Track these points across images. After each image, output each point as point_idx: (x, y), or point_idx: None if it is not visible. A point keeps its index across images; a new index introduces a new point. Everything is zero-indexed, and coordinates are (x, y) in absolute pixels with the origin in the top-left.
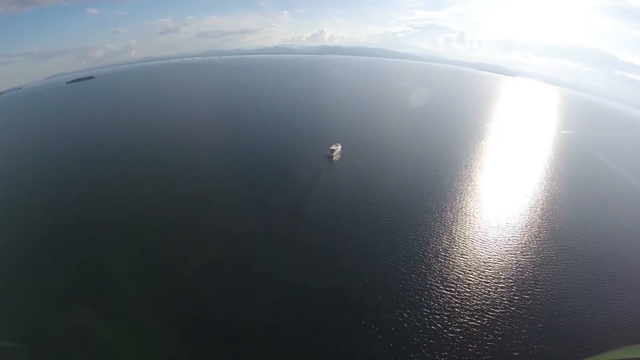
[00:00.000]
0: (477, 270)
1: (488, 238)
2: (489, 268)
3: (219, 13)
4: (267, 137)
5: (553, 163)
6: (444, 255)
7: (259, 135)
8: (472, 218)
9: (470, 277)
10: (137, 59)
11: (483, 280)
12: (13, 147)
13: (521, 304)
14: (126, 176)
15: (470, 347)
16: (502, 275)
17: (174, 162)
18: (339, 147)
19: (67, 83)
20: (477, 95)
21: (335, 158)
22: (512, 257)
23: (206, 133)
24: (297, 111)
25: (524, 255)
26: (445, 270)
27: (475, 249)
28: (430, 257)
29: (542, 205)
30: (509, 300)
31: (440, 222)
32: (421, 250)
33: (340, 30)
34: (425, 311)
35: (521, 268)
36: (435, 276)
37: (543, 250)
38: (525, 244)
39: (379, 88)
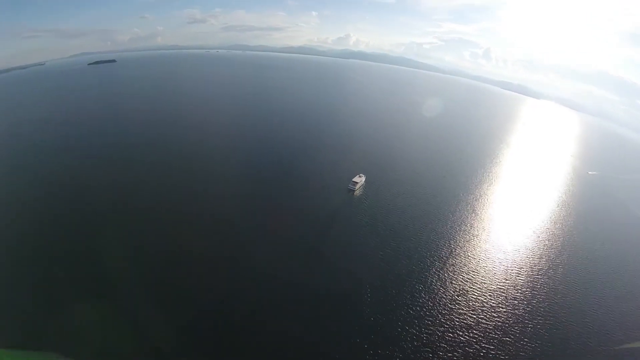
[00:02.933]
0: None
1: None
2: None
3: (247, 8)
4: (281, 154)
5: (574, 199)
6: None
7: (273, 149)
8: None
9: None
10: (162, 46)
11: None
12: (21, 125)
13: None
14: (133, 164)
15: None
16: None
17: (182, 159)
18: (363, 178)
19: (88, 64)
20: (501, 116)
21: (357, 192)
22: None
23: (215, 134)
24: (315, 126)
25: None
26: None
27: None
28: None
29: (558, 237)
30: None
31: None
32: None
33: (365, 36)
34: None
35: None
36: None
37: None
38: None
39: (402, 103)
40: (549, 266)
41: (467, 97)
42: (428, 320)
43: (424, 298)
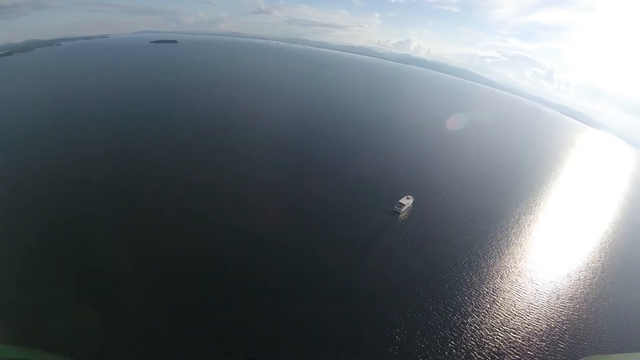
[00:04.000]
0: None
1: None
2: None
3: (311, 3)
4: (325, 164)
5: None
6: None
7: (316, 156)
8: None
9: None
10: (224, 32)
11: None
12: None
13: None
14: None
15: None
16: None
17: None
18: (411, 200)
19: (150, 42)
20: (557, 142)
21: (403, 215)
22: None
23: (258, 133)
24: (365, 136)
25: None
26: None
27: None
28: None
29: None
30: None
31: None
32: None
33: (427, 43)
34: None
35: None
36: None
37: None
38: None
39: (461, 119)
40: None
41: (526, 119)
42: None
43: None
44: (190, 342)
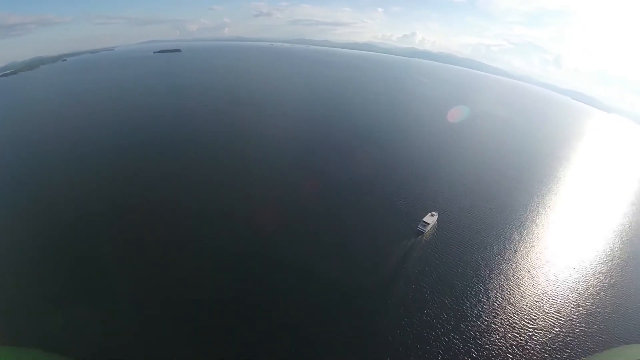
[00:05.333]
0: None
1: None
2: None
3: (314, 2)
4: (340, 183)
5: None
6: None
7: (328, 173)
8: None
9: None
10: (229, 37)
11: None
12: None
13: None
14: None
15: None
16: None
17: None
18: (435, 217)
19: (154, 52)
20: (576, 133)
21: (428, 235)
22: None
23: (269, 145)
24: (377, 147)
25: None
26: None
27: None
28: None
29: None
30: None
31: None
32: None
33: (432, 35)
34: None
35: None
36: None
37: None
38: None
39: (472, 113)
40: None
41: (538, 107)
42: None
43: None
44: (190, 342)
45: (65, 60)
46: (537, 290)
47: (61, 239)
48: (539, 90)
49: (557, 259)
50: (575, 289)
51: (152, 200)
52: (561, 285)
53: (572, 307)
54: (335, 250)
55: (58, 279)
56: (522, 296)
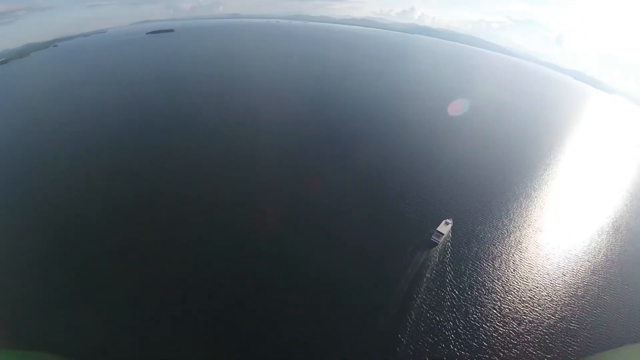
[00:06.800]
0: None
1: None
2: None
3: None
4: (341, 189)
5: None
6: None
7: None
8: None
9: None
10: (224, 14)
11: None
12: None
13: None
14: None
15: None
16: None
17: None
18: (449, 226)
19: (146, 33)
20: (577, 117)
21: (442, 245)
22: None
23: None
24: (377, 142)
25: None
26: None
27: None
28: None
29: None
30: None
31: None
32: None
33: (432, 10)
34: None
35: None
36: None
37: None
38: None
39: (476, 99)
40: None
41: (539, 90)
42: None
43: None
44: (189, 342)
45: (56, 45)
46: (537, 291)
47: (61, 238)
48: (539, 69)
49: (565, 261)
50: (576, 288)
51: (152, 195)
52: (561, 285)
53: (573, 307)
54: (340, 247)
55: (58, 279)
56: (522, 298)
